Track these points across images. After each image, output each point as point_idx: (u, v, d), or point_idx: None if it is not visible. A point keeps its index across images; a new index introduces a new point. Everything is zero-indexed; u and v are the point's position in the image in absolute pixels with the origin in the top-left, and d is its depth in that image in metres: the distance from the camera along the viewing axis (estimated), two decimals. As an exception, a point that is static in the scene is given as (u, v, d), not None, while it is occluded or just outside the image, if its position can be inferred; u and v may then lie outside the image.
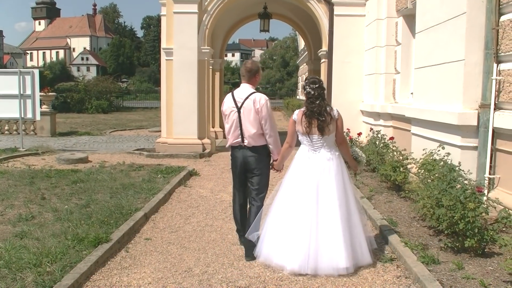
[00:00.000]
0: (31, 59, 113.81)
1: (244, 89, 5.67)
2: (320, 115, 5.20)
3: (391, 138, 9.66)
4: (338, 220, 5.04)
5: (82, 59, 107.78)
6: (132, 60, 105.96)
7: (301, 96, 40.73)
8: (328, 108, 5.29)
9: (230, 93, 5.77)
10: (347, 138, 11.90)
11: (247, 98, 5.55)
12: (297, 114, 5.39)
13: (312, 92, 5.27)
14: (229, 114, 5.65)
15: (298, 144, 5.51)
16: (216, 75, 18.68)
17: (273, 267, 5.20)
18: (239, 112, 5.57)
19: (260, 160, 5.66)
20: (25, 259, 5.09)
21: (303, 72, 36.05)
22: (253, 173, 5.68)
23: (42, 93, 18.38)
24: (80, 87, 37.63)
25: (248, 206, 5.84)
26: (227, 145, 5.92)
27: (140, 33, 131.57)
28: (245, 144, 5.61)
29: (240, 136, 5.62)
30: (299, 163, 5.36)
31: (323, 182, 5.15)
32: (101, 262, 5.30)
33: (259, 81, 5.90)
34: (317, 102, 5.22)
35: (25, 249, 5.42)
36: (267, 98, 5.62)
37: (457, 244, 5.30)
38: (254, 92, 5.61)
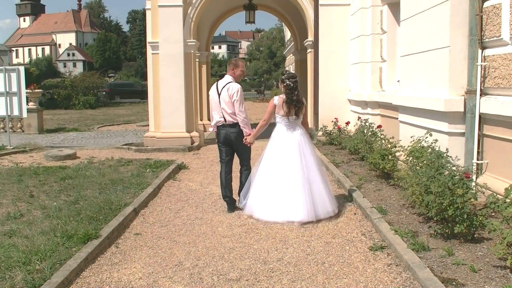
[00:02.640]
0: (17, 56, 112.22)
1: (225, 79, 7.19)
2: (298, 102, 6.78)
3: (379, 126, 9.66)
4: (319, 178, 6.71)
5: (68, 55, 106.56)
6: (118, 55, 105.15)
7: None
8: (301, 97, 6.84)
9: (216, 83, 7.27)
10: (336, 127, 12.13)
11: (224, 86, 7.07)
12: (277, 100, 6.82)
13: (292, 85, 6.76)
14: (212, 99, 7.18)
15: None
16: (202, 67, 18.63)
17: (273, 222, 6.51)
18: (219, 96, 7.07)
19: (240, 135, 7.10)
20: (14, 258, 5.06)
21: (290, 63, 35.99)
22: (238, 146, 7.17)
23: (28, 90, 18.26)
24: (67, 83, 37.34)
25: (239, 174, 7.36)
26: (212, 124, 7.31)
27: (126, 27, 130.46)
28: (226, 122, 7.06)
29: (222, 116, 7.06)
30: (279, 139, 6.83)
31: (303, 151, 6.71)
32: (91, 259, 5.28)
33: (241, 75, 7.30)
34: (295, 93, 6.76)
35: (14, 248, 5.38)
36: (239, 86, 7.10)
37: (447, 231, 5.33)
38: (231, 82, 7.10)
